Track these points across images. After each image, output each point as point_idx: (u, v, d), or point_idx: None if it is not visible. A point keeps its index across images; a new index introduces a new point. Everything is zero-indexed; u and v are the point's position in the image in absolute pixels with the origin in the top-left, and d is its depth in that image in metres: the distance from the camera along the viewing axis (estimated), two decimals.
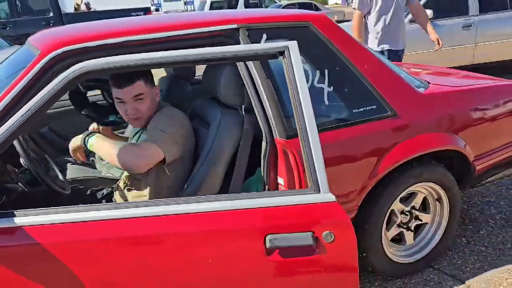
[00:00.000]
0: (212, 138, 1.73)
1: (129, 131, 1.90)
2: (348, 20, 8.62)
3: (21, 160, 1.71)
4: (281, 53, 1.25)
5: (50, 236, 1.14)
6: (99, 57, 1.37)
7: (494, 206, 2.70)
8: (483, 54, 5.90)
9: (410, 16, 5.76)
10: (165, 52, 1.21)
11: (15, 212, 1.17)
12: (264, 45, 1.32)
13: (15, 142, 1.66)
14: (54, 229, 1.15)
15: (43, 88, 1.17)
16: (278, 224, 1.19)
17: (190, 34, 1.55)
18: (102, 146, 1.61)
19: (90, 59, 1.38)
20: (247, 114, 1.71)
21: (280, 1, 19.67)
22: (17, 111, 1.15)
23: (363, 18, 3.54)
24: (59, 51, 1.39)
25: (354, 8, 3.56)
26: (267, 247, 1.16)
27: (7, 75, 1.55)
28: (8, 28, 9.59)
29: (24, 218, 1.15)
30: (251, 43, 1.60)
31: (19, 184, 1.66)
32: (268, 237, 1.16)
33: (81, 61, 1.38)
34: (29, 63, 1.38)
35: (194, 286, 1.22)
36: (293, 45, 1.25)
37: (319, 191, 1.18)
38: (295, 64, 1.23)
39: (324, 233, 1.16)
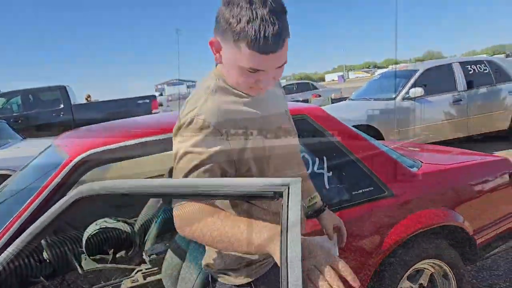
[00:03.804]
0: None
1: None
2: (346, 98, 9.07)
3: None
4: (280, 194, 0.89)
5: None
6: (120, 157, 1.56)
7: (503, 280, 2.70)
8: (475, 126, 6.19)
9: (403, 93, 6.16)
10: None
11: None
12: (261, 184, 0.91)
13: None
14: None
15: (73, 185, 1.29)
16: None
17: None
18: None
19: (112, 159, 1.55)
20: None
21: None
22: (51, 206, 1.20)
23: None
24: (84, 155, 1.56)
25: None
26: None
27: (37, 176, 1.70)
28: (20, 121, 9.89)
29: None
30: None
31: None
32: None
33: (104, 161, 1.55)
34: (58, 165, 1.54)
35: None
36: (294, 184, 0.87)
37: None
38: (292, 207, 0.84)
39: None
